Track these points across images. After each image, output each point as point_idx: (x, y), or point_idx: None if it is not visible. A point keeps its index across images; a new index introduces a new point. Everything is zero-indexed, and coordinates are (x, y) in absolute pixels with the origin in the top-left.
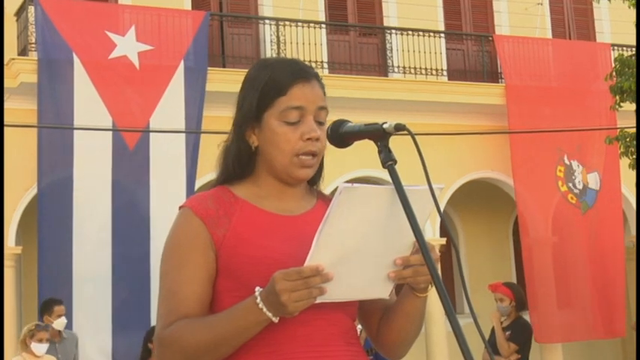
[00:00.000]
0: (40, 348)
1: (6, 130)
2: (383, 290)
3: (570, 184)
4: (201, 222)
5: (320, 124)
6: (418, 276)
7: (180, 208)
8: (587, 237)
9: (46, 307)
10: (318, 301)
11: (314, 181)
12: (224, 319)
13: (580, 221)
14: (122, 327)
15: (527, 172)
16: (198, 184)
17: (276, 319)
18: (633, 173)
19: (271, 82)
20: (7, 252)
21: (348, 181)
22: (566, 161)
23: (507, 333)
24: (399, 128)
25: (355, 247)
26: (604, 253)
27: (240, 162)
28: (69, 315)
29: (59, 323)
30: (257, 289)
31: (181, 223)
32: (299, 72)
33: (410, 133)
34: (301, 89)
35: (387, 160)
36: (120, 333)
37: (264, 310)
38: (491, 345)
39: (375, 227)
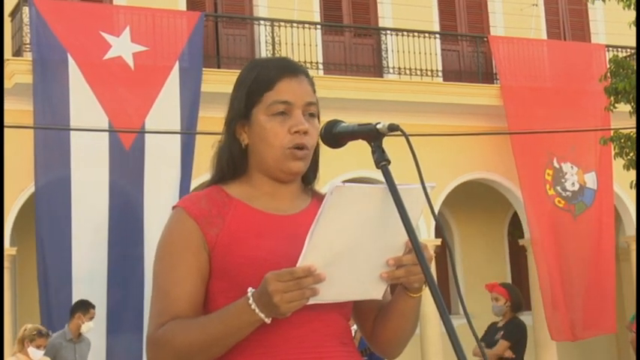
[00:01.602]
0: (36, 354)
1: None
2: (376, 291)
3: (559, 188)
4: (194, 222)
5: (311, 116)
6: (411, 276)
7: (173, 208)
8: (582, 238)
9: (82, 307)
10: (311, 302)
11: (309, 180)
12: (216, 320)
13: (571, 224)
14: (116, 328)
15: (523, 173)
16: (193, 184)
17: (268, 320)
18: (627, 174)
19: (259, 79)
20: (3, 253)
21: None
22: (556, 164)
23: (501, 332)
24: (393, 129)
25: (348, 248)
26: (600, 252)
27: (233, 161)
28: (66, 315)
29: (87, 326)
30: (249, 289)
31: (174, 223)
32: (286, 67)
33: (403, 134)
34: (288, 84)
35: (381, 160)
36: (114, 334)
37: (257, 310)
38: (486, 343)
39: (367, 227)
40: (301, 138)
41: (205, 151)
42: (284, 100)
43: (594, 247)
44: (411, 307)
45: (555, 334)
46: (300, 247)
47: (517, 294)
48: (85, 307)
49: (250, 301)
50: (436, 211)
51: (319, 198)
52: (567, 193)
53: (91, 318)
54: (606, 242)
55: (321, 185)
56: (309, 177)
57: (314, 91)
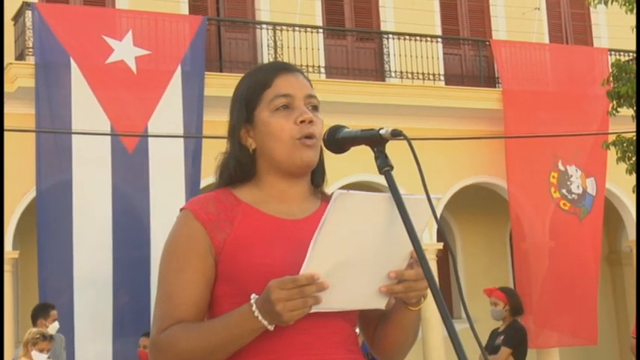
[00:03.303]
0: (39, 357)
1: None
2: (379, 301)
3: (564, 191)
4: (202, 226)
5: (313, 108)
6: (410, 292)
7: (181, 210)
8: (586, 243)
9: (42, 311)
10: (314, 310)
11: (317, 182)
12: (219, 326)
13: (577, 227)
14: (122, 331)
15: (523, 177)
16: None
17: (271, 327)
18: (630, 178)
19: (255, 81)
20: (4, 257)
21: (343, 187)
22: (561, 167)
23: (501, 337)
24: (396, 134)
25: (351, 256)
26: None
27: (241, 167)
28: (70, 319)
29: (53, 327)
30: (253, 296)
31: (181, 226)
32: (280, 66)
33: (407, 139)
34: (285, 79)
35: (384, 166)
36: (120, 337)
37: (260, 318)
38: (488, 349)
39: (371, 235)
40: (308, 127)
41: (208, 156)
42: (284, 93)
43: (595, 254)
44: (410, 319)
45: (533, 342)
46: (306, 254)
47: (516, 298)
48: (44, 310)
49: (253, 308)
50: (438, 215)
51: (329, 201)
52: (573, 195)
53: (54, 320)
54: (593, 251)
55: (325, 189)
56: (317, 179)
57: (311, 87)
